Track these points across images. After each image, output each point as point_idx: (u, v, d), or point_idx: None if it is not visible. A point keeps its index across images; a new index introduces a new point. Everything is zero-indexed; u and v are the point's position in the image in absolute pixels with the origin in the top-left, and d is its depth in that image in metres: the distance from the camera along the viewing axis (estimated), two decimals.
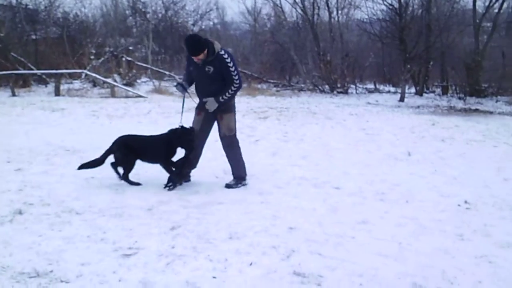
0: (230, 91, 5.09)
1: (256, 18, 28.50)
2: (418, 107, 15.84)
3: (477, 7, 20.40)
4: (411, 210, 4.64)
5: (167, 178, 5.17)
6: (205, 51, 4.94)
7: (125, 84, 17.61)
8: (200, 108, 5.32)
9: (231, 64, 5.04)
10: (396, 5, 20.36)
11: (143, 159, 5.33)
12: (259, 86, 20.48)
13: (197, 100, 5.37)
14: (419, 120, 11.75)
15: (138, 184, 5.23)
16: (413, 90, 20.99)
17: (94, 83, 18.23)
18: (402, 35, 19.58)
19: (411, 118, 12.21)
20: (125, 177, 5.23)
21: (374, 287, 3.05)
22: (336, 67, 20.23)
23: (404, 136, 9.24)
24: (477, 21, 20.01)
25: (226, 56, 5.04)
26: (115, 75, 18.56)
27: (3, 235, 3.69)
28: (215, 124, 5.36)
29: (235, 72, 5.07)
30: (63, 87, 16.60)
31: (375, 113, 13.04)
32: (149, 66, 22.87)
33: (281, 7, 24.68)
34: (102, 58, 20.05)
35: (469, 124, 11.14)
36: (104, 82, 17.33)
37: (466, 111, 14.80)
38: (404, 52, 19.45)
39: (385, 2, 20.84)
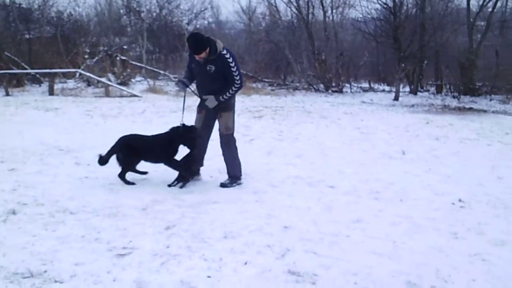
0: (231, 90, 5.11)
1: (250, 17, 28.51)
2: (413, 106, 15.91)
3: (471, 6, 20.54)
4: (405, 208, 4.66)
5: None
6: (207, 50, 4.94)
7: (120, 84, 17.54)
8: (201, 106, 5.36)
9: (232, 64, 5.05)
10: (391, 4, 20.42)
11: (146, 159, 5.33)
12: (254, 85, 20.48)
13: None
14: (414, 118, 11.79)
15: (132, 183, 5.21)
16: (407, 89, 21.09)
17: (88, 82, 18.14)
18: (397, 34, 19.64)
19: (405, 117, 12.25)
20: (121, 176, 5.23)
21: (368, 285, 3.05)
22: (331, 66, 20.28)
23: (398, 135, 9.27)
24: (471, 20, 20.12)
25: (228, 55, 5.04)
26: (110, 75, 18.46)
27: None
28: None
29: (237, 72, 5.08)
30: (57, 86, 16.53)
31: (369, 112, 13.07)
32: (143, 65, 22.78)
33: (275, 6, 24.68)
34: (96, 57, 19.94)
35: (463, 123, 11.19)
36: (99, 81, 17.25)
37: (460, 110, 14.88)
38: (399, 51, 19.51)
39: (379, 1, 20.95)
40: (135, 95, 15.72)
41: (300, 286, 3.03)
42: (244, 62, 23.84)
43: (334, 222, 4.19)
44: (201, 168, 5.58)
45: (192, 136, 5.21)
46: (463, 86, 18.86)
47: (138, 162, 5.34)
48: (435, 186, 5.53)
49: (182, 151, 5.32)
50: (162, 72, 22.14)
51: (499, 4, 21.04)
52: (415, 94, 20.02)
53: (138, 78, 20.85)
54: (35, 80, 18.20)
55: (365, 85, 22.91)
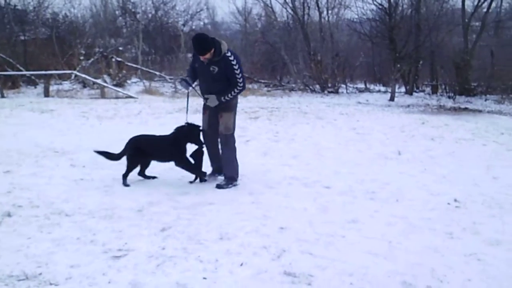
0: (233, 92, 5.16)
1: (246, 18, 28.56)
2: (408, 106, 15.95)
3: (466, 7, 20.65)
4: (401, 208, 4.66)
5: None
6: (212, 51, 4.96)
7: (115, 85, 17.52)
8: (205, 107, 5.42)
9: (236, 67, 5.07)
10: (386, 4, 20.52)
11: (155, 159, 5.45)
12: (250, 86, 20.39)
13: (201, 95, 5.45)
14: (409, 119, 11.80)
15: (127, 185, 5.21)
16: (403, 89, 21.14)
17: (84, 84, 18.12)
18: (392, 34, 19.71)
19: (401, 117, 12.27)
20: (124, 174, 5.27)
21: (364, 286, 3.05)
22: (327, 66, 20.31)
23: (394, 135, 9.28)
24: (466, 20, 20.20)
25: (232, 58, 5.07)
26: (105, 76, 18.47)
27: None
28: None
29: (240, 74, 5.11)
30: (53, 88, 16.49)
31: (365, 113, 13.09)
32: (139, 66, 22.76)
33: (271, 7, 24.77)
34: (92, 59, 19.91)
35: (459, 123, 11.22)
36: (94, 83, 17.23)
37: (456, 110, 14.93)
38: (394, 52, 19.58)
39: (375, 2, 21.04)
40: (130, 97, 15.69)
41: (296, 287, 3.02)
42: None
43: (330, 222, 4.19)
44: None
45: (197, 133, 5.33)
46: (458, 86, 18.93)
47: (145, 163, 5.44)
48: (431, 186, 5.54)
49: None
50: (157, 73, 22.13)
51: (494, 4, 21.20)
52: (411, 94, 20.08)
53: (134, 80, 20.83)
54: (30, 81, 18.13)
55: (361, 85, 22.98)
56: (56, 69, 17.83)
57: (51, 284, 2.96)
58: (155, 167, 5.58)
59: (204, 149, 5.45)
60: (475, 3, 20.71)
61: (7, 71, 17.44)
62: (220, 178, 5.49)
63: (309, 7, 22.73)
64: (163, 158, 5.46)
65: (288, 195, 5.03)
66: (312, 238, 3.82)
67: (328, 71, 20.19)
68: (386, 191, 5.27)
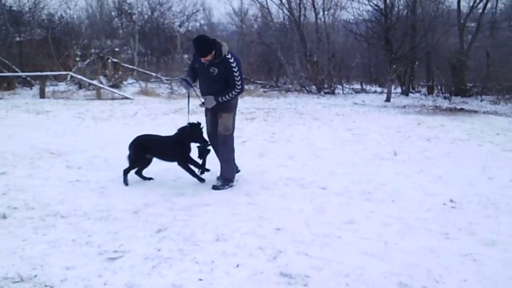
0: (230, 94, 5.17)
1: (242, 19, 28.53)
2: (404, 107, 15.99)
3: (461, 8, 20.69)
4: (397, 209, 4.67)
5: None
6: (213, 53, 4.97)
7: (111, 86, 17.47)
8: (206, 108, 5.44)
9: (236, 69, 5.09)
10: (382, 5, 20.55)
11: (159, 158, 5.49)
12: (246, 87, 20.34)
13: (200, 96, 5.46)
14: (405, 120, 11.84)
15: (127, 184, 5.22)
16: (399, 90, 21.19)
17: (80, 85, 18.06)
18: (388, 35, 19.75)
19: (397, 118, 12.30)
20: (125, 171, 5.31)
21: (360, 286, 3.06)
22: (323, 67, 20.34)
23: (390, 136, 9.30)
24: (462, 21, 20.27)
25: (232, 60, 5.08)
26: (101, 77, 18.41)
27: None
28: None
29: (239, 77, 5.13)
30: (48, 89, 16.43)
31: (361, 113, 13.11)
32: (135, 67, 22.70)
33: (267, 8, 24.74)
34: (88, 60, 19.87)
35: (454, 124, 11.26)
36: (90, 84, 17.17)
37: (451, 111, 14.97)
38: (390, 53, 19.62)
39: (370, 3, 21.06)
40: (126, 98, 15.64)
41: None
42: None
43: (326, 223, 4.19)
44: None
45: (199, 132, 5.38)
46: (454, 87, 18.99)
47: (146, 161, 5.46)
48: (427, 186, 5.55)
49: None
50: (154, 74, 22.11)
51: (489, 5, 21.30)
52: (407, 95, 20.12)
53: (130, 81, 20.78)
54: (26, 83, 18.08)
55: (357, 86, 23.00)
56: (52, 70, 17.77)
57: (46, 286, 2.95)
58: (151, 169, 5.57)
59: (210, 147, 5.51)
60: (471, 4, 20.83)
61: (2, 72, 17.40)
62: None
63: (305, 8, 22.77)
64: (167, 158, 5.52)
65: (284, 196, 5.03)
66: (308, 239, 3.82)
67: (324, 72, 20.22)
68: (382, 192, 5.28)
